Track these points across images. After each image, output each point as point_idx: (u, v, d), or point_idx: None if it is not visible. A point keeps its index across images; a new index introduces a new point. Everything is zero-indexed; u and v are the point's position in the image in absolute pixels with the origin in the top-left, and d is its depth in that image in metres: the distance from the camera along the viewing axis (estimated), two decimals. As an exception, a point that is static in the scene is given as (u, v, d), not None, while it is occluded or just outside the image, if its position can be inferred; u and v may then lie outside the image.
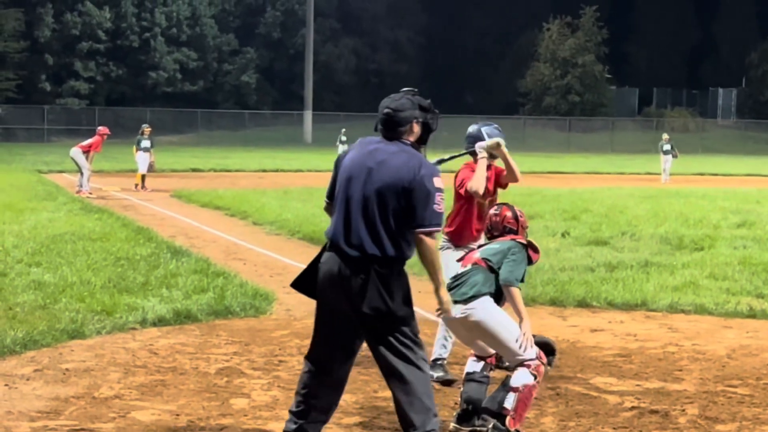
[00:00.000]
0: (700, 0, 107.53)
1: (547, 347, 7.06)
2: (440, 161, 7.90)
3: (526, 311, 6.81)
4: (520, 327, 6.74)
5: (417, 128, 6.30)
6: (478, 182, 8.15)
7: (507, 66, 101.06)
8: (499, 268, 6.86)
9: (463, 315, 6.76)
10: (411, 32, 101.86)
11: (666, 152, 40.85)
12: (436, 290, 6.25)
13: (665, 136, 42.57)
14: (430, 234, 6.10)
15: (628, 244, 17.46)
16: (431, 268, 6.17)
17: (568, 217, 21.65)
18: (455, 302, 6.74)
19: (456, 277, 6.99)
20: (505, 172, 8.45)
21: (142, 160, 31.03)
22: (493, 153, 8.30)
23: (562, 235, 18.54)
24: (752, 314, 11.76)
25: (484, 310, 6.73)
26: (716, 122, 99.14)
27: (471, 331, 6.87)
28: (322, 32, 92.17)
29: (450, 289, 6.86)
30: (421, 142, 6.33)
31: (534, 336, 6.92)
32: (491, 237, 7.23)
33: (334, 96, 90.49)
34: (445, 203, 6.21)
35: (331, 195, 6.40)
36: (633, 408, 7.86)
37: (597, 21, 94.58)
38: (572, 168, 50.51)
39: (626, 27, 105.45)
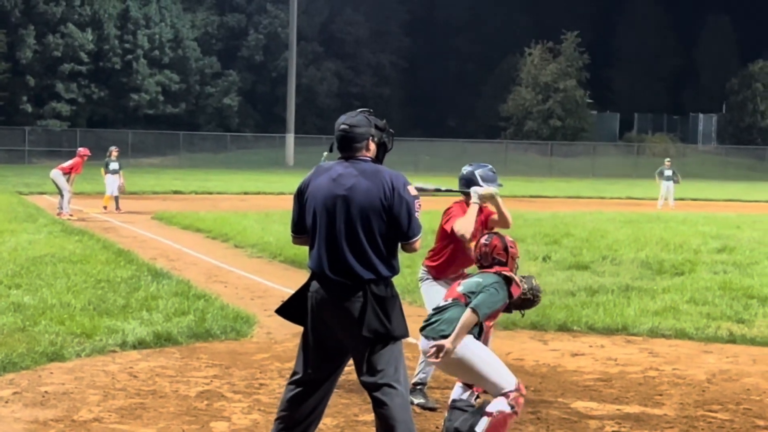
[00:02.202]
0: (681, 26, 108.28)
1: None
2: (437, 189, 7.86)
3: (461, 337, 6.60)
4: (449, 341, 6.57)
5: (373, 146, 6.27)
6: (466, 226, 7.93)
7: (489, 90, 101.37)
8: None
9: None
10: (393, 56, 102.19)
11: (667, 178, 40.60)
12: None
13: (667, 161, 42.29)
14: (416, 242, 6.20)
15: (608, 269, 17.50)
16: None
17: (550, 241, 21.69)
18: (432, 339, 6.70)
19: (436, 310, 6.91)
20: (494, 216, 8.35)
21: (110, 183, 30.88)
22: (486, 201, 8.18)
23: (543, 259, 18.57)
24: (732, 339, 11.79)
25: (465, 347, 6.64)
26: (697, 148, 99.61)
27: (449, 367, 6.81)
28: (304, 55, 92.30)
29: (428, 322, 6.83)
30: (376, 161, 6.31)
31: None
32: (480, 266, 7.14)
33: (316, 119, 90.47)
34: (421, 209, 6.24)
35: (297, 228, 6.39)
36: (613, 432, 7.87)
37: (578, 46, 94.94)
38: (554, 192, 50.64)
39: (607, 52, 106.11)
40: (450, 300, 6.90)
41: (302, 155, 74.63)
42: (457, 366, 6.73)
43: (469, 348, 6.66)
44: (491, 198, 8.09)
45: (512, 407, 6.67)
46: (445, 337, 6.61)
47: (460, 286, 6.97)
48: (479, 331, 6.75)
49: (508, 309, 7.01)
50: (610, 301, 13.91)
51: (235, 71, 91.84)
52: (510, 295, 6.90)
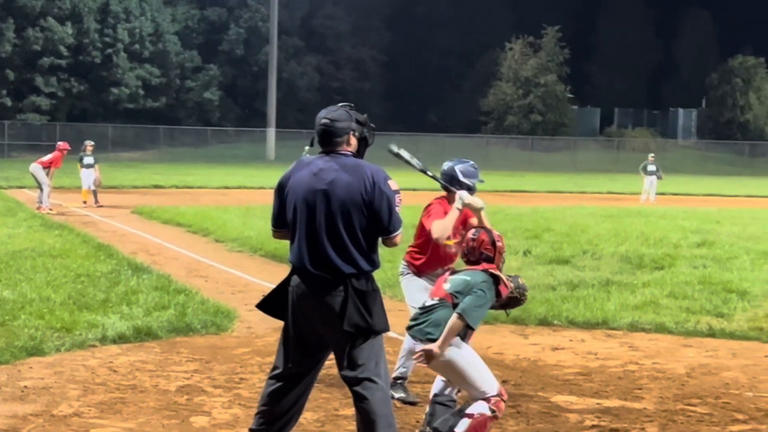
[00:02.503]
0: (660, 21, 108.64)
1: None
2: (423, 171, 7.80)
3: (449, 342, 6.54)
4: (437, 346, 6.54)
5: (354, 141, 6.27)
6: (443, 230, 7.80)
7: (470, 85, 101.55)
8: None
9: None
10: (374, 51, 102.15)
11: (650, 173, 40.76)
12: None
13: (651, 156, 42.44)
14: (397, 237, 6.20)
15: (589, 263, 17.54)
16: None
17: (530, 236, 21.71)
18: (419, 340, 6.68)
19: (423, 310, 6.85)
20: (473, 219, 8.27)
21: (85, 177, 30.65)
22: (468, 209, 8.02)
23: (524, 253, 18.59)
24: (711, 333, 11.84)
25: (452, 349, 6.60)
26: (677, 142, 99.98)
27: (435, 366, 6.78)
28: (285, 50, 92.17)
29: (416, 322, 6.79)
30: (357, 156, 6.29)
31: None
32: (467, 261, 7.10)
33: (297, 113, 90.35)
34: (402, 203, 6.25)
35: (278, 223, 6.37)
36: (593, 426, 7.88)
37: (559, 41, 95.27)
38: (534, 187, 50.70)
39: (588, 47, 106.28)
40: (437, 299, 6.84)
41: (283, 149, 74.59)
42: (442, 366, 6.72)
43: (456, 351, 6.63)
44: (476, 211, 7.94)
45: (493, 411, 6.66)
46: (432, 340, 6.57)
47: (447, 284, 6.88)
48: (465, 332, 6.72)
49: (492, 307, 6.99)
50: (591, 296, 13.94)
51: (215, 65, 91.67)
52: (498, 294, 6.86)
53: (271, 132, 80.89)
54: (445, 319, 6.61)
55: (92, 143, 32.28)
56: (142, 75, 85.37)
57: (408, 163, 7.59)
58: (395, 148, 7.51)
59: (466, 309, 6.57)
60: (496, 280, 6.83)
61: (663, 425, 7.95)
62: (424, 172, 7.80)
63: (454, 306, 6.66)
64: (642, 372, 9.87)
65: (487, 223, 7.92)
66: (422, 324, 6.72)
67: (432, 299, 6.88)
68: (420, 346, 6.64)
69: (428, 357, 6.54)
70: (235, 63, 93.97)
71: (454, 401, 7.18)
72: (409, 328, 6.86)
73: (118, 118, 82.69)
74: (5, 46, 78.86)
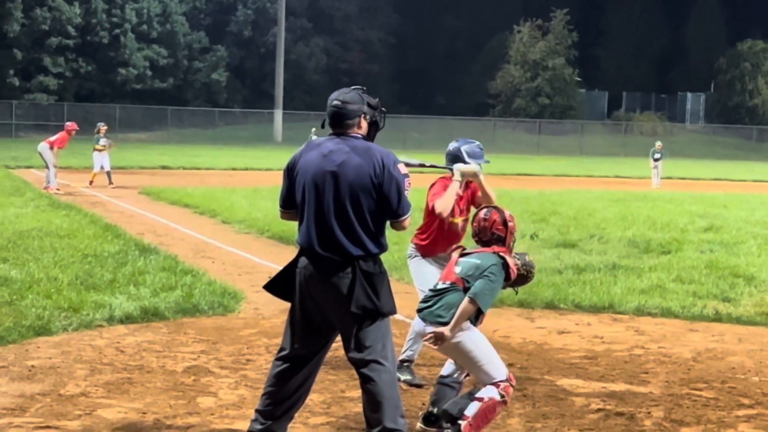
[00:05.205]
0: (669, 5, 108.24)
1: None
2: (422, 164, 7.83)
3: (459, 325, 6.56)
4: (448, 329, 6.56)
5: (364, 124, 6.28)
6: (445, 204, 7.93)
7: (477, 68, 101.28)
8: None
9: None
10: (382, 32, 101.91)
11: (657, 159, 40.93)
12: None
13: (658, 144, 42.52)
14: (405, 220, 6.24)
15: (596, 247, 17.53)
16: None
17: (537, 219, 21.71)
18: (430, 323, 6.69)
19: (434, 292, 6.85)
20: (480, 193, 8.34)
21: (98, 159, 30.57)
22: (468, 179, 8.18)
23: (531, 237, 18.58)
24: (718, 318, 11.84)
25: (462, 333, 6.62)
26: (684, 126, 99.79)
27: (444, 349, 6.78)
28: (293, 31, 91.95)
29: (426, 305, 6.80)
30: (368, 139, 6.31)
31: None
32: (478, 241, 7.09)
33: (304, 95, 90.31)
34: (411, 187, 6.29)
35: (286, 203, 6.38)
36: (599, 410, 7.89)
37: (567, 24, 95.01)
38: (541, 170, 50.64)
39: (596, 31, 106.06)
40: (448, 283, 6.83)
41: (290, 131, 74.54)
42: (452, 349, 6.72)
43: (466, 334, 6.64)
44: (473, 176, 8.07)
45: (502, 396, 6.67)
46: (443, 323, 6.59)
47: (458, 267, 6.85)
48: (476, 315, 6.72)
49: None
50: (597, 280, 13.94)
51: (223, 46, 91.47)
52: (507, 278, 6.86)
53: (279, 114, 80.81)
54: (457, 302, 6.62)
55: (105, 126, 32.27)
56: (149, 56, 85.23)
57: (407, 164, 7.59)
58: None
59: (478, 293, 6.58)
60: (506, 263, 6.83)
61: (669, 409, 7.96)
62: (423, 165, 7.83)
63: (465, 290, 6.66)
64: (648, 356, 9.88)
65: (487, 188, 7.99)
66: (433, 307, 6.72)
67: (443, 282, 6.88)
68: (430, 329, 6.65)
69: (438, 339, 6.56)
70: (242, 44, 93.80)
71: (459, 383, 7.19)
72: (419, 310, 6.86)
73: (126, 98, 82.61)
74: (13, 25, 78.70)
